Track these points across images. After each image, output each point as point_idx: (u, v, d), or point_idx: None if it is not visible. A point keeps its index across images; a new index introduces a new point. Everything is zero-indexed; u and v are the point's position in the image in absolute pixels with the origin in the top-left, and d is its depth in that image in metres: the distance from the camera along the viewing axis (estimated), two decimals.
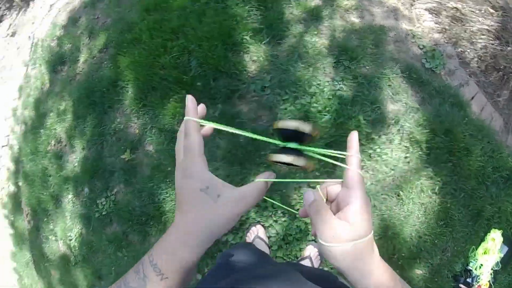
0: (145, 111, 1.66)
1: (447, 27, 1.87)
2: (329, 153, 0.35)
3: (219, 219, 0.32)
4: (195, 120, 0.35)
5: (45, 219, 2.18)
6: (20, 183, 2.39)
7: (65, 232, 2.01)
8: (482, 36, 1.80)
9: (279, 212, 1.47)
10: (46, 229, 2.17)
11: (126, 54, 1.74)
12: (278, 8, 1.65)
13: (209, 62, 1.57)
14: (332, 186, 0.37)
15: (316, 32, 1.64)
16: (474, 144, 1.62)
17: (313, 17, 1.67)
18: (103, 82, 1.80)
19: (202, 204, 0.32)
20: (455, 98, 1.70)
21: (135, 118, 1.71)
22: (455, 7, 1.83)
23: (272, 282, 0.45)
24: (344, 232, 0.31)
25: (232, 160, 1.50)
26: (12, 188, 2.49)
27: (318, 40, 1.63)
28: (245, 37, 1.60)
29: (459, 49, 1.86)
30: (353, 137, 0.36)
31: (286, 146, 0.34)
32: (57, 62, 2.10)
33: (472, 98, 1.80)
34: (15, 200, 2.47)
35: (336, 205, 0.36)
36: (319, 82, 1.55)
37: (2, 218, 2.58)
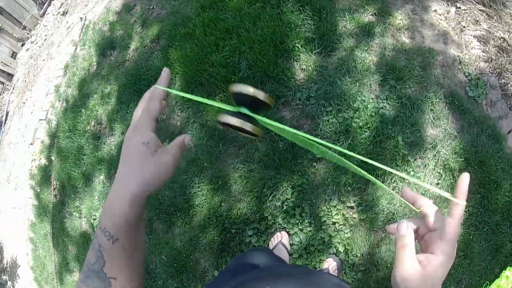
0: (189, 105, 1.70)
1: (493, 56, 1.85)
2: (375, 165, 0.33)
3: (154, 169, 0.34)
4: (163, 89, 0.38)
5: (72, 196, 2.25)
6: (52, 157, 2.47)
7: (90, 211, 2.07)
8: None
9: (306, 221, 1.48)
10: (72, 205, 2.24)
11: (178, 47, 1.78)
12: (332, 20, 1.67)
13: (258, 65, 1.60)
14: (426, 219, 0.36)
15: (366, 48, 1.65)
16: (504, 178, 1.61)
17: (365, 32, 1.68)
18: (151, 72, 1.85)
19: (140, 155, 0.34)
20: (493, 130, 1.69)
21: (178, 111, 1.75)
22: (503, 37, 1.81)
23: (274, 282, 0.46)
24: (415, 279, 0.32)
25: (268, 164, 1.52)
26: (43, 161, 2.57)
27: (368, 56, 1.64)
28: (297, 45, 1.62)
29: (503, 81, 1.84)
30: (465, 180, 0.33)
31: (240, 111, 0.33)
32: (107, 46, 2.16)
33: (510, 132, 1.78)
34: (45, 173, 2.55)
35: (423, 242, 0.36)
36: (363, 98, 1.56)
37: (28, 188, 2.68)
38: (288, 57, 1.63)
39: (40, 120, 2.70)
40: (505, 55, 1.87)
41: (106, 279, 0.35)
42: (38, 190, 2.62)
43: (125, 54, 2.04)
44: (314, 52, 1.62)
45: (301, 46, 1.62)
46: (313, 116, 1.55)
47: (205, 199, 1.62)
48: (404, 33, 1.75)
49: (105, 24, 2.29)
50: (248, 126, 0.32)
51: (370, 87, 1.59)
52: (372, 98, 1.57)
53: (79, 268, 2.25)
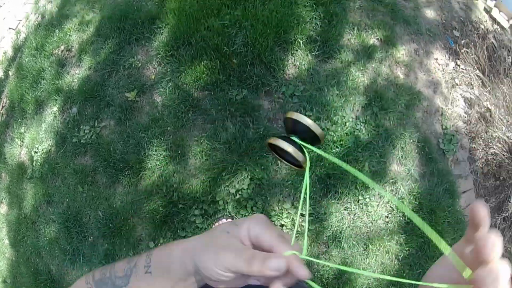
0: (170, 61, 1.52)
1: (473, 121, 1.87)
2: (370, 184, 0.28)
3: (208, 260, 0.28)
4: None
5: (19, 120, 1.95)
6: (10, 73, 2.13)
7: (33, 142, 1.80)
8: (498, 144, 1.81)
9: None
10: (16, 131, 1.94)
11: None
12: (340, 29, 1.57)
13: (254, 45, 1.46)
14: None
15: (362, 68, 1.57)
16: (448, 232, 1.62)
17: (366, 53, 1.60)
18: (141, 13, 1.63)
19: (214, 239, 0.29)
20: (451, 186, 1.69)
21: (156, 64, 1.55)
22: (488, 108, 1.83)
23: None
24: None
25: (234, 148, 1.39)
26: (0, 73, 2.22)
27: (360, 76, 1.56)
28: (298, 40, 1.50)
29: (473, 145, 1.86)
30: (484, 213, 0.22)
31: (291, 137, 0.31)
32: None
33: (464, 192, 1.80)
34: None
35: None
36: (344, 115, 1.48)
37: None
38: (286, 48, 1.50)
39: (9, 28, 2.33)
40: (484, 124, 1.89)
41: None
42: None
43: None
44: (312, 53, 1.51)
45: (302, 43, 1.50)
46: None
47: (159, 164, 1.44)
48: (401, 68, 1.70)
49: None
50: (300, 156, 0.30)
51: (354, 106, 1.52)
52: (352, 118, 1.49)
53: (8, 201, 1.96)
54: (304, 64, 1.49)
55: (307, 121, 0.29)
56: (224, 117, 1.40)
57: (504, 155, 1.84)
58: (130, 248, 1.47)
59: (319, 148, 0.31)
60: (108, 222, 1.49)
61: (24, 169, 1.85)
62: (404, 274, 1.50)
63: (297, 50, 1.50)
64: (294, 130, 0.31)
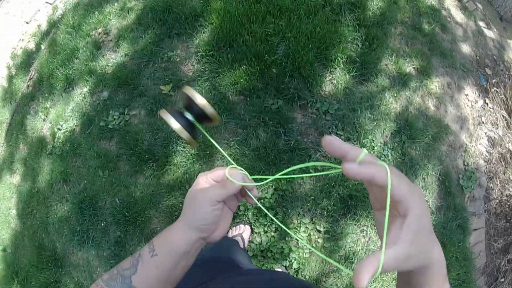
0: (209, 61, 1.52)
1: (493, 161, 1.87)
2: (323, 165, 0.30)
3: (198, 215, 0.37)
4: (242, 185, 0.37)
5: (46, 95, 1.95)
6: (42, 46, 2.13)
7: (58, 119, 1.80)
8: None
9: (273, 226, 1.37)
10: (41, 105, 1.94)
11: None
12: (379, 53, 1.57)
13: (295, 58, 1.46)
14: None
15: (395, 95, 1.58)
16: (454, 267, 1.63)
17: (401, 81, 1.61)
18: (185, 9, 1.63)
19: (191, 203, 0.37)
20: (464, 222, 1.70)
21: (195, 61, 1.55)
22: (510, 150, 1.84)
23: None
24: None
25: (262, 156, 1.39)
26: (31, 45, 2.22)
27: (393, 103, 1.57)
28: (339, 58, 1.50)
29: (490, 185, 1.87)
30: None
31: (184, 113, 0.31)
32: None
33: (475, 230, 1.81)
34: (28, 59, 2.20)
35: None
36: (374, 139, 1.48)
37: (4, 67, 2.30)
38: (325, 65, 1.50)
39: (46, 2, 2.33)
40: (503, 165, 1.90)
41: (129, 286, 0.35)
42: (13, 73, 2.26)
43: None
44: (350, 73, 1.51)
45: (341, 62, 1.51)
46: (322, 131, 1.44)
47: (185, 161, 1.45)
48: (433, 99, 1.70)
49: None
50: (184, 135, 0.31)
51: (383, 132, 1.52)
52: (380, 143, 1.50)
53: (22, 172, 1.96)
54: (341, 83, 1.49)
55: (200, 101, 0.29)
56: (257, 124, 1.41)
57: None
58: (142, 239, 1.47)
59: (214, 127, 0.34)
60: (125, 210, 1.50)
61: (45, 144, 1.85)
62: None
63: (336, 68, 1.50)
64: (189, 106, 0.31)
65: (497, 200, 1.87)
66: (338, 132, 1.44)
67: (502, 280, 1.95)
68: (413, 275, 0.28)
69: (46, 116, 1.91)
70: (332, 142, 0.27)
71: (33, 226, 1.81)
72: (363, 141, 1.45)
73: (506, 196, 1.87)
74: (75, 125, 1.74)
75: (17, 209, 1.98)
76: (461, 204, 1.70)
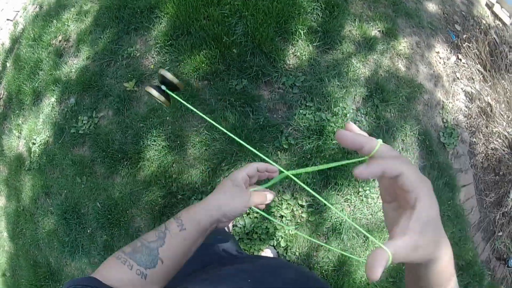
0: (169, 50, 1.48)
1: (473, 115, 1.85)
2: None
3: (231, 206, 0.42)
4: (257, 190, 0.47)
5: (17, 111, 1.92)
6: (8, 64, 2.09)
7: (31, 134, 1.77)
8: (499, 140, 1.79)
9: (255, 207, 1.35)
10: (14, 122, 1.91)
11: None
12: (341, 20, 1.54)
13: (255, 36, 1.43)
14: None
15: (363, 60, 1.55)
16: (447, 225, 1.61)
17: (367, 45, 1.58)
18: (139, 2, 1.60)
19: (228, 193, 0.43)
20: (451, 179, 1.68)
21: (155, 53, 1.52)
22: (489, 103, 1.81)
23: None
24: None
25: (233, 138, 1.35)
26: None
27: (361, 68, 1.53)
28: (299, 30, 1.47)
29: (474, 140, 1.84)
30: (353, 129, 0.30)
31: (160, 86, 0.45)
32: None
33: (464, 186, 1.78)
34: None
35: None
36: (345, 106, 1.45)
37: None
38: (287, 39, 1.47)
39: (7, 20, 2.29)
40: (485, 119, 1.87)
41: (156, 257, 0.37)
42: None
43: None
44: (313, 43, 1.48)
45: (303, 33, 1.47)
46: (291, 105, 1.41)
47: (157, 154, 1.42)
48: (402, 60, 1.67)
49: None
50: (162, 99, 0.45)
51: (354, 98, 1.49)
52: (352, 109, 1.47)
53: (6, 193, 1.94)
54: (305, 55, 1.46)
55: (169, 76, 0.43)
56: (224, 107, 1.38)
57: (504, 150, 1.82)
58: (129, 239, 1.45)
59: (179, 95, 0.46)
60: (107, 213, 1.47)
61: (22, 161, 1.82)
62: (403, 266, 1.48)
63: (297, 41, 1.47)
64: (163, 81, 0.45)
65: (483, 154, 1.84)
66: (307, 104, 1.41)
67: (500, 233, 1.92)
68: (421, 268, 0.28)
69: (20, 133, 1.88)
70: (345, 137, 0.27)
71: (25, 245, 1.78)
72: (334, 110, 1.42)
73: (491, 149, 1.84)
74: (48, 137, 1.71)
75: (8, 230, 1.95)
76: (445, 161, 1.68)
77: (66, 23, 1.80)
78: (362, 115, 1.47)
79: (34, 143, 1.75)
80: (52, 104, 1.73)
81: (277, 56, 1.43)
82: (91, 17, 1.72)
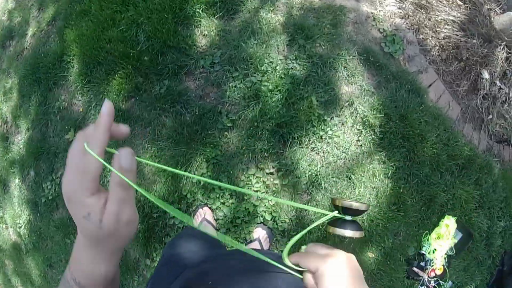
0: (89, 87, 1.48)
1: (410, 13, 1.75)
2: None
3: (107, 243, 0.30)
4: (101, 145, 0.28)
5: None
6: None
7: (14, 219, 1.81)
8: (447, 26, 1.70)
9: (226, 194, 1.32)
10: None
11: (74, 27, 1.55)
12: None
13: (157, 36, 1.40)
14: None
15: (272, 8, 1.49)
16: (429, 131, 1.52)
17: None
18: (48, 57, 1.61)
19: (87, 230, 0.29)
20: (413, 84, 1.59)
21: (79, 95, 1.52)
22: None
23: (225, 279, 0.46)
24: None
25: (178, 139, 1.33)
26: None
27: (274, 17, 1.48)
28: (197, 10, 1.43)
29: (421, 36, 1.74)
30: None
31: (344, 218, 0.36)
32: (6, 37, 1.88)
33: (430, 85, 1.69)
34: None
35: None
36: (271, 60, 1.40)
37: None
38: (189, 24, 1.44)
39: None
40: (423, 12, 1.77)
41: None
42: None
43: (23, 42, 1.77)
44: (216, 16, 1.44)
45: (202, 12, 1.44)
46: (219, 83, 1.38)
47: None
48: None
49: (4, 14, 2.00)
50: (358, 235, 0.36)
51: (278, 48, 1.44)
52: (280, 59, 1.42)
53: (20, 282, 1.99)
54: (212, 31, 1.42)
55: (354, 204, 0.35)
56: (157, 115, 1.36)
57: (457, 35, 1.72)
58: (133, 273, 1.45)
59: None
60: None
61: (19, 247, 1.86)
62: (401, 190, 1.42)
63: (200, 21, 1.43)
64: (347, 211, 0.36)
65: (437, 47, 1.75)
66: (233, 75, 1.37)
67: (490, 117, 1.81)
68: None
69: (6, 224, 1.92)
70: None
71: None
72: (261, 69, 1.37)
73: (443, 38, 1.74)
74: (28, 215, 1.74)
75: None
76: (399, 69, 1.59)
77: None
78: (292, 61, 1.42)
79: (20, 227, 1.78)
80: (19, 184, 1.76)
81: (186, 44, 1.40)
82: (16, 91, 1.74)
